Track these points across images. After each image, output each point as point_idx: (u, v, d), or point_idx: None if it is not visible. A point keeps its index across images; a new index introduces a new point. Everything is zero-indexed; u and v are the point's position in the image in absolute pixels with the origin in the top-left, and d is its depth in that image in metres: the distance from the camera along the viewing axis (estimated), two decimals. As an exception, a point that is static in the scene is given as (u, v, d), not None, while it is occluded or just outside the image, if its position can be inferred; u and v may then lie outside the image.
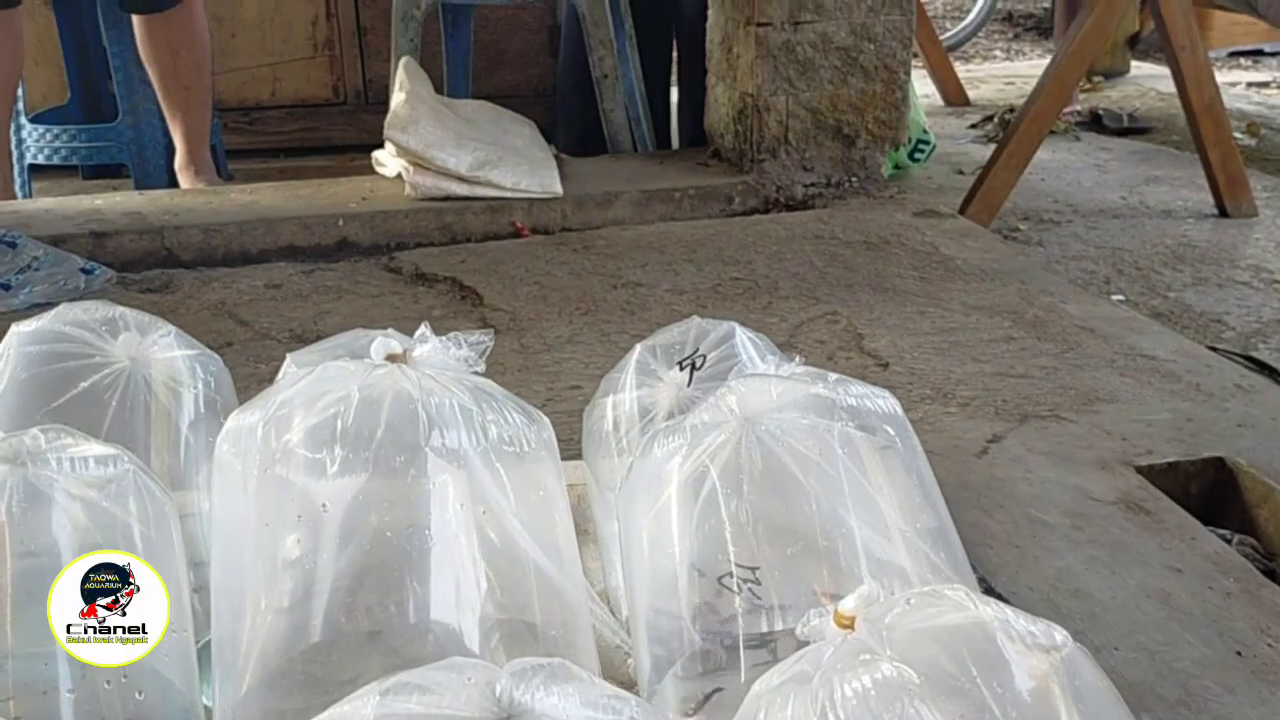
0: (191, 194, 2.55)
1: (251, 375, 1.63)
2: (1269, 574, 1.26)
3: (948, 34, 5.44)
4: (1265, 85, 4.66)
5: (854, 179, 2.57)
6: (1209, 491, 1.41)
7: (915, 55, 3.98)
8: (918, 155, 3.11)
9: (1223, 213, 2.82)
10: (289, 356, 1.01)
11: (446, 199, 2.37)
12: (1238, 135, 3.55)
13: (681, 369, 1.07)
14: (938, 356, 1.72)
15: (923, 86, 4.17)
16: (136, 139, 2.82)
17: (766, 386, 0.86)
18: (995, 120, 3.71)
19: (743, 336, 1.11)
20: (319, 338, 1.90)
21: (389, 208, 2.36)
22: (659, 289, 2.02)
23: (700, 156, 2.69)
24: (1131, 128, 3.68)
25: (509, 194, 2.38)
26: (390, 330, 0.98)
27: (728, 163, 2.61)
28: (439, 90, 2.80)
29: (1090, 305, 1.92)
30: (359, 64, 3.47)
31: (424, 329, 0.85)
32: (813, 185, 2.54)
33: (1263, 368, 2.06)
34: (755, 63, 2.46)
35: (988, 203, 2.71)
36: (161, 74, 2.68)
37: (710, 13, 2.62)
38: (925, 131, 3.12)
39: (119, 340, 1.08)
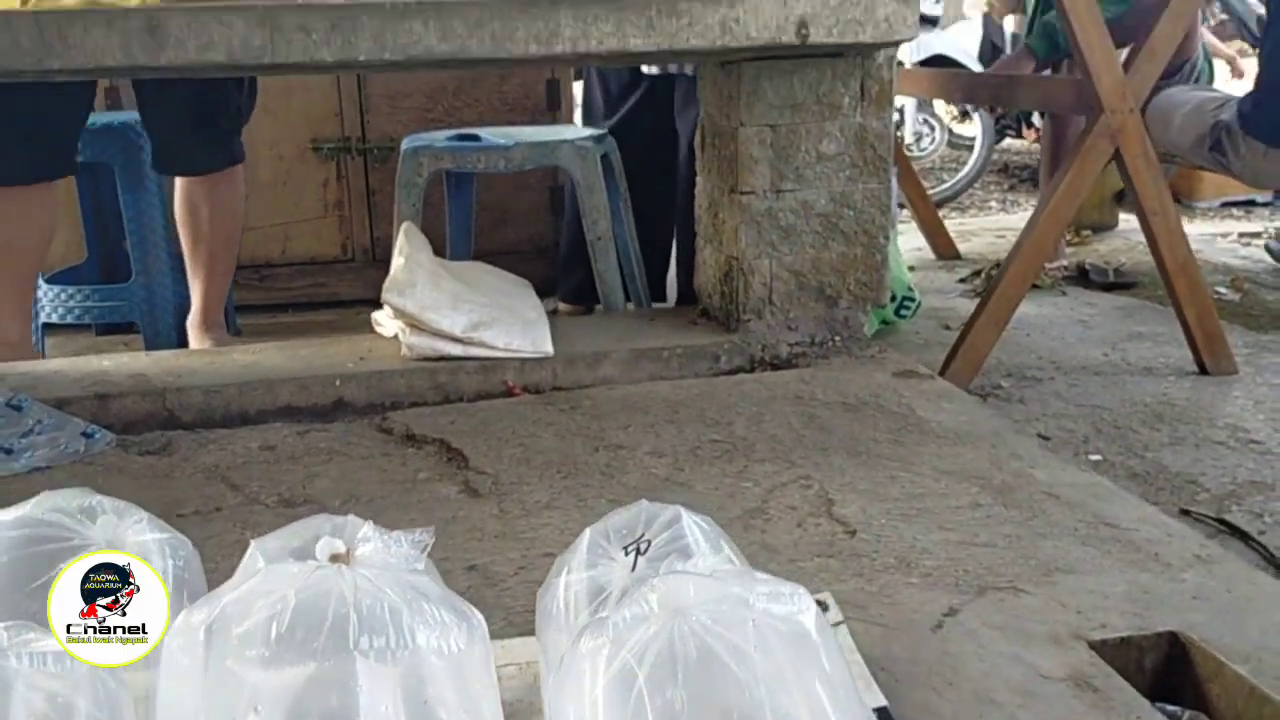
0: (196, 355, 2.64)
1: (236, 542, 1.68)
2: (1217, 753, 1.28)
3: (943, 186, 5.60)
4: (1257, 236, 4.77)
5: (837, 338, 2.65)
6: (1163, 666, 1.43)
7: (904, 207, 4.12)
8: (903, 312, 3.19)
9: (1203, 370, 2.87)
10: (253, 544, 1.06)
11: (441, 359, 2.45)
12: (1221, 290, 3.63)
13: (626, 554, 1.12)
14: (904, 523, 1.76)
15: (914, 240, 4.29)
16: (148, 299, 2.94)
17: (685, 585, 0.91)
18: (982, 275, 3.81)
19: (689, 520, 1.17)
20: (306, 502, 1.97)
21: (385, 368, 2.45)
22: (639, 451, 2.08)
23: (690, 315, 2.78)
24: (1117, 282, 3.77)
25: (501, 354, 2.47)
26: (351, 515, 1.05)
27: (715, 321, 2.70)
28: (441, 248, 2.92)
29: (1059, 470, 1.96)
30: (367, 223, 3.61)
31: (367, 528, 0.90)
32: (797, 344, 2.62)
33: (1234, 531, 2.09)
34: (739, 228, 2.57)
35: (969, 361, 2.78)
36: (193, 237, 2.78)
37: (698, 179, 2.75)
38: (910, 289, 3.21)
39: (97, 524, 1.15)
